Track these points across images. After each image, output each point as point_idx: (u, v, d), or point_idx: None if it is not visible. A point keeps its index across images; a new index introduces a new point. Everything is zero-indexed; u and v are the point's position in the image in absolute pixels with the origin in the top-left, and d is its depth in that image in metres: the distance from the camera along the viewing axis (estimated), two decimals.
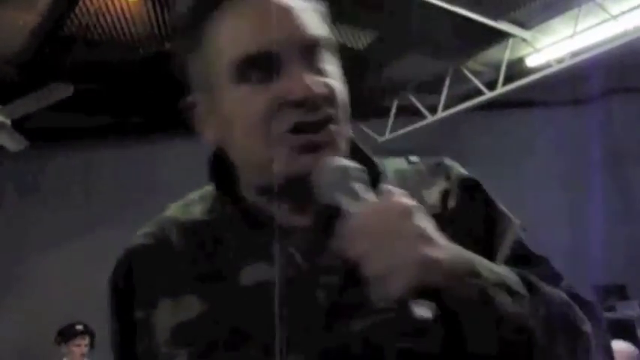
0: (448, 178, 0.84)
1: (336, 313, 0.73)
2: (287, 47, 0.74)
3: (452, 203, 0.82)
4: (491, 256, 0.77)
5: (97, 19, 4.55)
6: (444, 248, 0.65)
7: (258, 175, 0.77)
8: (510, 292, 0.69)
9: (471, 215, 0.82)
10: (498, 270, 0.71)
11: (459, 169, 0.86)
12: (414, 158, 0.89)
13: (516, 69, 5.48)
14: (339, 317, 0.73)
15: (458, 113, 5.64)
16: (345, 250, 0.64)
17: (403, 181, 0.83)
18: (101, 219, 6.02)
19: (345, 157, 0.75)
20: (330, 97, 0.75)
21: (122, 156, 6.19)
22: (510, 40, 5.20)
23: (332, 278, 0.73)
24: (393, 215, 0.64)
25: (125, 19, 4.59)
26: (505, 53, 5.27)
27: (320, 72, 0.76)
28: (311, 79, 0.74)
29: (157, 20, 4.62)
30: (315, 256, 0.75)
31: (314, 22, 0.78)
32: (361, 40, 5.05)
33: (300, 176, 0.73)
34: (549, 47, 5.22)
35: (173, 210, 0.86)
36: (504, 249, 0.80)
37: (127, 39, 4.81)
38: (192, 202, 0.85)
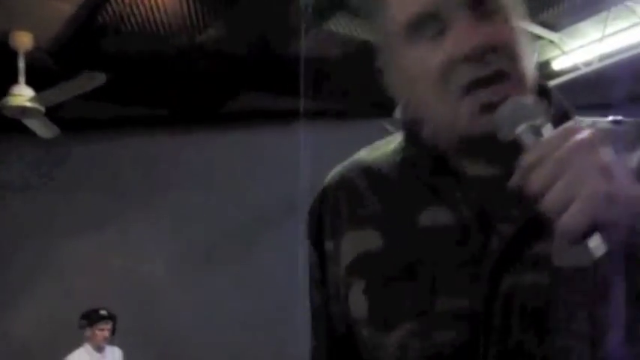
0: None
1: (507, 262, 0.72)
2: (450, 1, 0.73)
3: None
4: None
5: (132, 10, 4.63)
6: (629, 185, 0.61)
7: (441, 130, 0.78)
8: None
9: None
10: None
11: None
12: (618, 118, 0.83)
13: (543, 71, 5.47)
14: (510, 267, 0.72)
15: None
16: (522, 185, 0.63)
17: None
18: (125, 209, 6.13)
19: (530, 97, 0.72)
20: (499, 47, 0.73)
21: (148, 147, 6.26)
22: (537, 43, 5.19)
23: (509, 227, 0.72)
24: (573, 147, 0.61)
25: (159, 10, 4.67)
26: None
27: (490, 18, 0.73)
28: (477, 31, 0.72)
29: (190, 12, 4.69)
30: (495, 204, 0.74)
31: None
32: None
33: (482, 136, 0.72)
34: (577, 50, 5.21)
35: (362, 153, 0.90)
36: None
37: (159, 30, 4.89)
38: (380, 147, 0.88)
